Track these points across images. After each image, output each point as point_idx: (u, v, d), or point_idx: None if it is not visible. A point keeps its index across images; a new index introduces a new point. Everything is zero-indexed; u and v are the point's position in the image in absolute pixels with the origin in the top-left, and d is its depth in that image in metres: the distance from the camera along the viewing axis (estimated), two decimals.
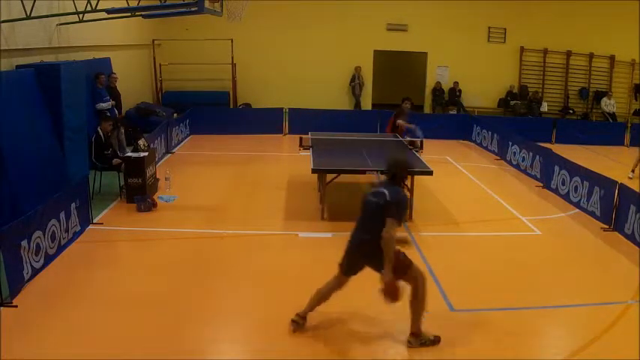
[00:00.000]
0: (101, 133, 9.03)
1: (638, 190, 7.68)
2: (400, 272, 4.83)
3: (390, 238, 4.70)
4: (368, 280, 4.95)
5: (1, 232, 5.39)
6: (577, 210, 9.01)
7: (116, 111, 11.29)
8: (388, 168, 5.12)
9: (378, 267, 4.88)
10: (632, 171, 11.18)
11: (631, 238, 7.56)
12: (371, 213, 4.91)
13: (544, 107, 18.34)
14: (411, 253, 6.93)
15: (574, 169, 9.40)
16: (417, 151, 9.51)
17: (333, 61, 17.99)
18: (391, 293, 4.71)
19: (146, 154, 8.87)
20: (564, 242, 7.82)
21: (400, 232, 4.90)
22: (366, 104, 18.08)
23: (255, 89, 17.83)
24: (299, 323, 5.18)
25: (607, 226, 8.14)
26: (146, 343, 4.90)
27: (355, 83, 18.17)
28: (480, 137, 14.54)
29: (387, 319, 5.40)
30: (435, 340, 5.07)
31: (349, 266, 5.12)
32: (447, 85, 18.53)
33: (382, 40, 18.32)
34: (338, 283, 5.17)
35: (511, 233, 8.11)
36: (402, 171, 5.16)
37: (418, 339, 5.02)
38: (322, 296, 5.20)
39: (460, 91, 18.30)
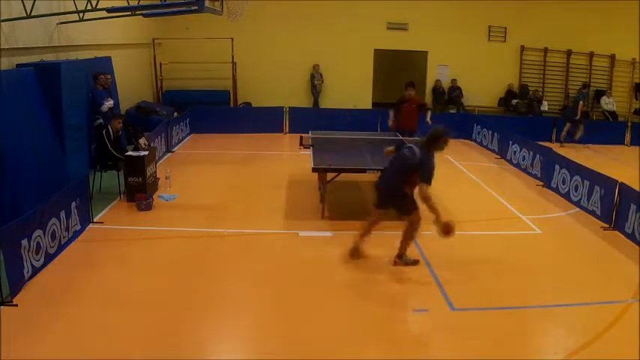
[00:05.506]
0: (111, 131, 9.01)
1: (638, 190, 7.68)
2: (409, 210, 6.23)
3: (425, 197, 5.90)
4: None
5: (2, 231, 5.38)
6: (577, 209, 9.00)
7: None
8: (430, 134, 6.13)
9: (399, 209, 6.33)
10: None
11: (631, 237, 7.56)
12: (401, 164, 6.20)
13: (544, 106, 18.32)
14: (411, 252, 7.00)
15: (574, 168, 9.40)
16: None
17: (332, 60, 17.97)
18: (447, 232, 5.95)
19: (146, 153, 8.86)
20: (565, 241, 7.82)
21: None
22: (367, 103, 18.05)
23: (256, 88, 17.83)
24: (358, 254, 6.52)
25: (607, 225, 8.14)
26: (146, 342, 4.90)
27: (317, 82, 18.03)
28: (480, 136, 14.54)
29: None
30: (415, 262, 6.46)
31: (380, 203, 6.43)
32: (447, 84, 18.51)
33: (382, 39, 18.30)
34: (376, 218, 6.52)
35: (511, 232, 8.11)
36: (436, 137, 6.07)
37: (402, 259, 6.41)
38: (366, 230, 6.53)
39: (459, 88, 18.26)
